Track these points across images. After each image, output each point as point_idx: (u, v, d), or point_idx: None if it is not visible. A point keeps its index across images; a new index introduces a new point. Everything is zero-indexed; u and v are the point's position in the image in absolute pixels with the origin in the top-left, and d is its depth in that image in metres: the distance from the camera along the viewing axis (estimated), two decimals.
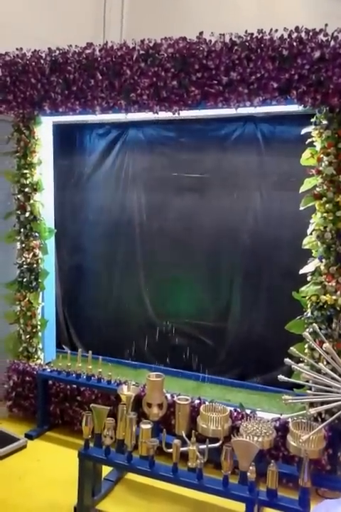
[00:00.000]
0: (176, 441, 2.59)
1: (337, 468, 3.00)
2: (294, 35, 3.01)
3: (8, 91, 3.93)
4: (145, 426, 2.69)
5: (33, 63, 3.81)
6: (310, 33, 2.97)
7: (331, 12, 3.85)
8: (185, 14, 4.70)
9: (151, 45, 3.40)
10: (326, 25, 2.93)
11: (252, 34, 3.11)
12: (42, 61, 3.78)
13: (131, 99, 3.51)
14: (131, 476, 3.20)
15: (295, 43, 3.00)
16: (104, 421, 2.78)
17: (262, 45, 3.08)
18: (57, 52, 3.72)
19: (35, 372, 3.90)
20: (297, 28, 3.00)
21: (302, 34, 2.99)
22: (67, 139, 4.68)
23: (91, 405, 2.88)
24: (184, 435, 2.86)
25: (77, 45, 3.65)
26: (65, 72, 3.70)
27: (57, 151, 4.37)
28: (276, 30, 3.05)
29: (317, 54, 2.94)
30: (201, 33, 3.27)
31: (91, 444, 2.83)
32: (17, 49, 3.86)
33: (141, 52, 3.43)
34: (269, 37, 3.07)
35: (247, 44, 3.12)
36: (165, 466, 2.65)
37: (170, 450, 2.59)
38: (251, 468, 2.39)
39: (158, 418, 3.14)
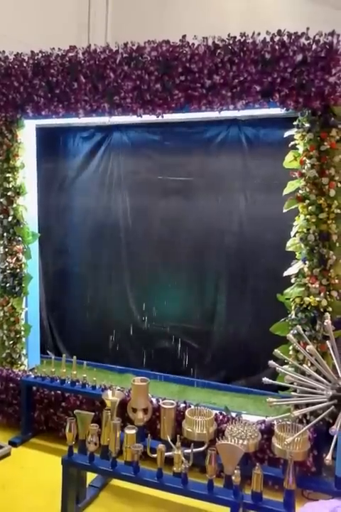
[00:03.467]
0: (160, 446, 2.57)
1: (322, 469, 3.01)
2: (276, 38, 3.02)
3: None
4: (130, 431, 2.67)
5: (16, 66, 3.78)
6: (292, 37, 2.99)
7: (315, 16, 3.90)
8: (171, 18, 4.71)
9: (135, 48, 3.40)
10: (308, 28, 2.95)
11: (235, 37, 3.12)
12: (24, 64, 3.76)
13: (114, 102, 3.50)
14: (116, 482, 3.16)
15: (277, 47, 3.02)
16: (88, 427, 2.75)
17: (245, 49, 3.10)
18: (40, 55, 3.70)
19: (18, 379, 3.85)
20: (279, 32, 3.01)
21: (285, 37, 3.01)
22: (50, 142, 4.64)
23: (75, 411, 2.84)
24: (169, 440, 2.84)
25: (60, 48, 3.64)
26: (47, 75, 3.68)
27: (41, 155, 4.33)
28: (259, 34, 3.06)
29: (299, 57, 2.96)
30: (184, 37, 3.27)
31: (75, 451, 2.79)
32: None
33: (125, 55, 3.43)
34: (252, 40, 3.09)
35: (230, 47, 3.13)
36: (150, 472, 2.62)
37: (155, 455, 2.57)
38: (236, 471, 2.38)
39: (143, 423, 3.12)
